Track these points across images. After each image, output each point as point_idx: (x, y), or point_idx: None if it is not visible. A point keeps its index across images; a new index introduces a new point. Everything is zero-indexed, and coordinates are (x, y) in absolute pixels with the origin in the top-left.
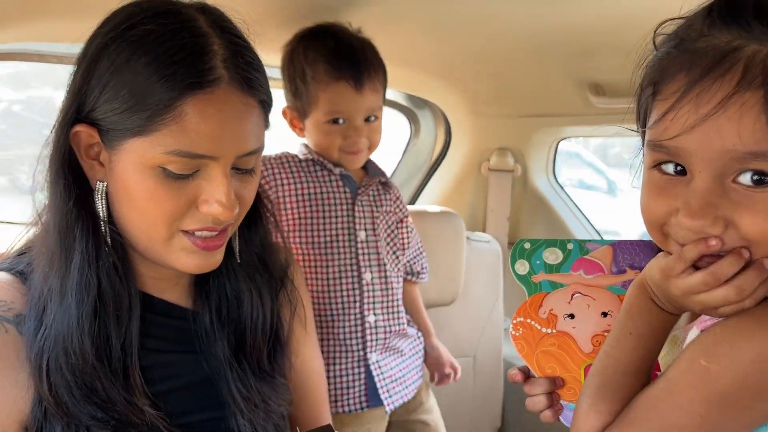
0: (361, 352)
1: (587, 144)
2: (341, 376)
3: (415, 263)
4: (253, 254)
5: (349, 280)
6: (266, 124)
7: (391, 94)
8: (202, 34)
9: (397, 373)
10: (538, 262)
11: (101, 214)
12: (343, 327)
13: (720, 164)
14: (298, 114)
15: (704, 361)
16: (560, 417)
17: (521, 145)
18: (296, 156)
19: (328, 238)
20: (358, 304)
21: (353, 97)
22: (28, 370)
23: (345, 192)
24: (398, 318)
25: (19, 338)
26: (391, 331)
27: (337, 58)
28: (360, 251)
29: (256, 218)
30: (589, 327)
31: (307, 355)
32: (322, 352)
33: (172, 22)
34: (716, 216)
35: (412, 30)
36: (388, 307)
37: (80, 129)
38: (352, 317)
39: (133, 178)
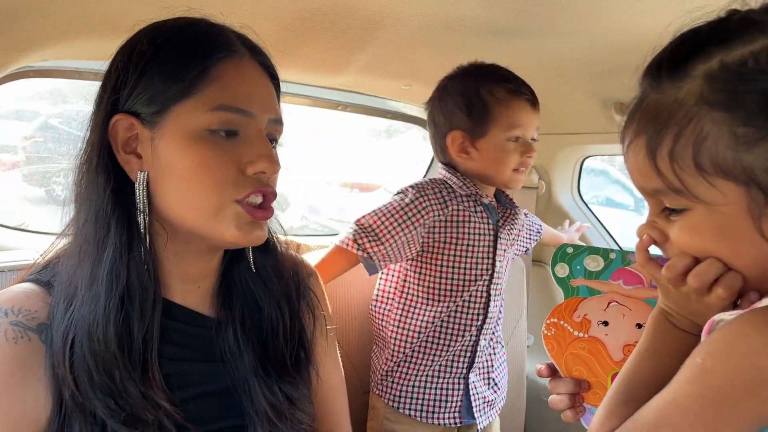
0: (464, 371)
1: (613, 161)
2: (442, 389)
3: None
4: (266, 264)
5: (478, 306)
6: (280, 110)
7: (416, 111)
8: (223, 30)
9: (489, 396)
10: (578, 267)
11: (140, 205)
12: (457, 347)
13: (644, 195)
14: (471, 136)
15: (700, 359)
16: (582, 419)
17: (546, 163)
18: (446, 182)
19: (468, 265)
20: (476, 330)
21: (530, 113)
22: (49, 378)
23: (488, 223)
24: (500, 341)
25: (41, 347)
26: (494, 353)
27: (515, 78)
28: (494, 281)
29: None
30: (622, 336)
31: (329, 366)
32: (429, 365)
33: (200, 22)
34: (655, 228)
35: (437, 51)
36: (495, 332)
37: (119, 118)
38: (468, 339)
39: (180, 150)
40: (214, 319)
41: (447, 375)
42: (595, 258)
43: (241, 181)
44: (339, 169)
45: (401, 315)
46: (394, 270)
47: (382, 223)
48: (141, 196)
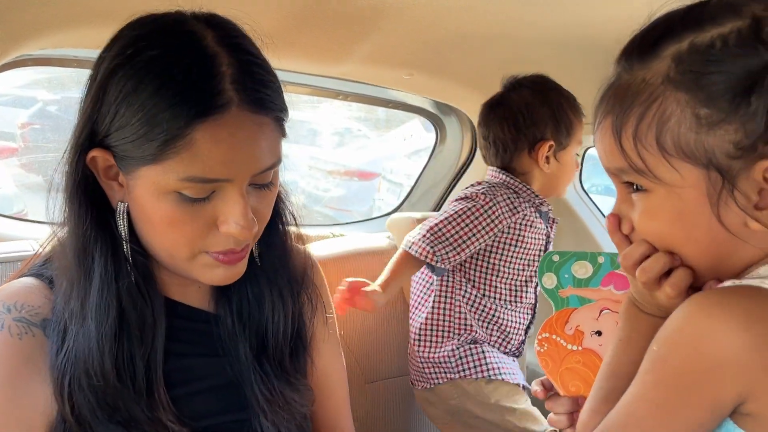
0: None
1: None
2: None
3: None
4: (274, 257)
5: (528, 298)
6: (282, 134)
7: (417, 100)
8: (210, 54)
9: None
10: (566, 276)
11: (123, 234)
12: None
13: (611, 177)
14: (556, 148)
15: (656, 347)
16: None
17: None
18: (511, 187)
19: (526, 262)
20: (528, 320)
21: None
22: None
23: (544, 227)
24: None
25: (45, 342)
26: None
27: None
28: None
29: (277, 221)
30: None
31: (329, 353)
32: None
33: (178, 43)
34: (620, 216)
35: (439, 38)
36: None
37: (96, 154)
38: (516, 340)
39: (150, 204)
40: (213, 313)
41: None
42: (583, 264)
43: (214, 235)
44: (338, 157)
45: (467, 307)
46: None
47: (457, 232)
48: (123, 227)
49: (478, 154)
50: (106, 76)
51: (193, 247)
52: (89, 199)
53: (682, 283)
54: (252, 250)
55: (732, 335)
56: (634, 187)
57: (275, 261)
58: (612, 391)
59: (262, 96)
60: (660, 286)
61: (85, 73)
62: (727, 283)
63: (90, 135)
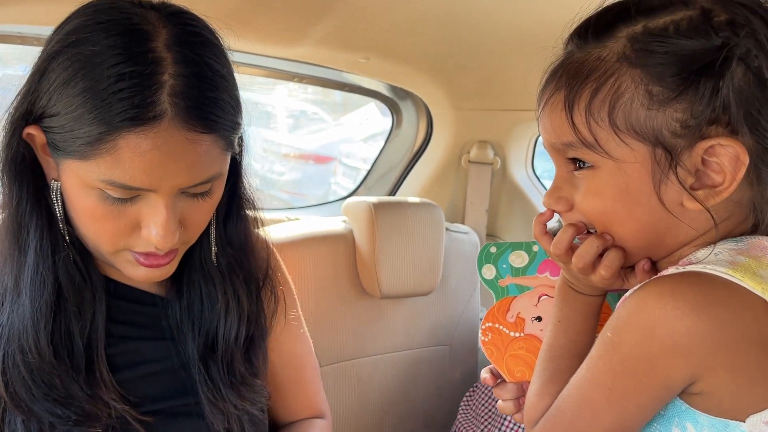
0: None
1: None
2: None
3: None
4: (230, 256)
5: None
6: (229, 149)
7: (373, 84)
8: (154, 60)
9: None
10: (504, 266)
11: (57, 212)
12: None
13: (554, 155)
14: None
15: (609, 333)
16: None
17: (501, 139)
18: None
19: None
20: None
21: None
22: None
23: None
24: None
25: None
26: None
27: None
28: None
29: (235, 217)
30: None
31: (292, 335)
32: None
33: (122, 43)
34: (559, 196)
35: (396, 22)
36: None
37: (32, 132)
38: None
39: (76, 195)
40: (161, 296)
41: None
42: (519, 254)
43: (137, 236)
44: (294, 140)
45: None
46: None
47: None
48: (57, 204)
49: (434, 139)
50: (48, 58)
51: (116, 244)
52: (25, 173)
53: (615, 264)
54: (210, 242)
55: (685, 320)
56: (578, 164)
57: (232, 262)
58: (556, 372)
59: (204, 113)
60: (594, 270)
61: (29, 50)
62: (671, 270)
63: (27, 112)
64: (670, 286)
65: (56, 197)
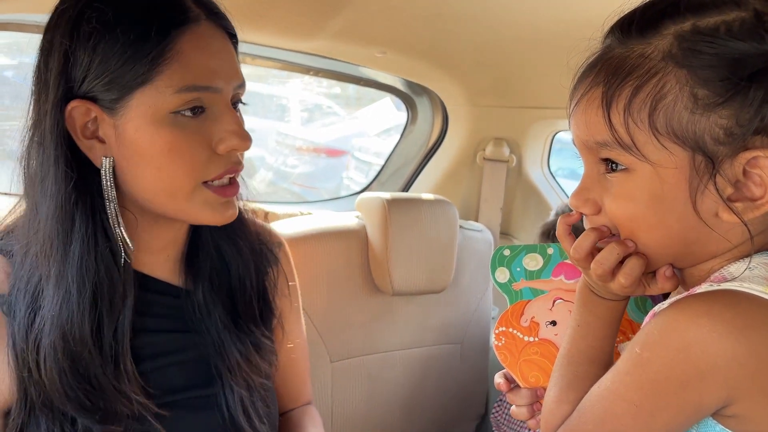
0: None
1: None
2: None
3: None
4: (233, 222)
5: None
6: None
7: (389, 79)
8: None
9: None
10: (518, 269)
11: (108, 194)
12: None
13: (585, 153)
14: None
15: (638, 349)
16: None
17: (517, 136)
18: None
19: None
20: None
21: None
22: (10, 353)
23: None
24: None
25: (2, 319)
26: None
27: None
28: None
29: None
30: None
31: (292, 325)
32: None
33: None
34: (587, 198)
35: (414, 18)
36: None
37: (75, 105)
38: None
39: (148, 135)
40: (183, 288)
41: None
42: (533, 256)
43: (213, 160)
44: (307, 133)
45: None
46: None
47: None
48: (108, 184)
49: (449, 135)
50: (77, 14)
51: (194, 176)
52: (69, 158)
53: (635, 272)
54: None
55: (723, 343)
56: (611, 166)
57: (234, 223)
58: (575, 378)
59: (221, 17)
60: (614, 277)
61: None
62: (705, 287)
63: (65, 89)
64: (705, 307)
65: (108, 173)
